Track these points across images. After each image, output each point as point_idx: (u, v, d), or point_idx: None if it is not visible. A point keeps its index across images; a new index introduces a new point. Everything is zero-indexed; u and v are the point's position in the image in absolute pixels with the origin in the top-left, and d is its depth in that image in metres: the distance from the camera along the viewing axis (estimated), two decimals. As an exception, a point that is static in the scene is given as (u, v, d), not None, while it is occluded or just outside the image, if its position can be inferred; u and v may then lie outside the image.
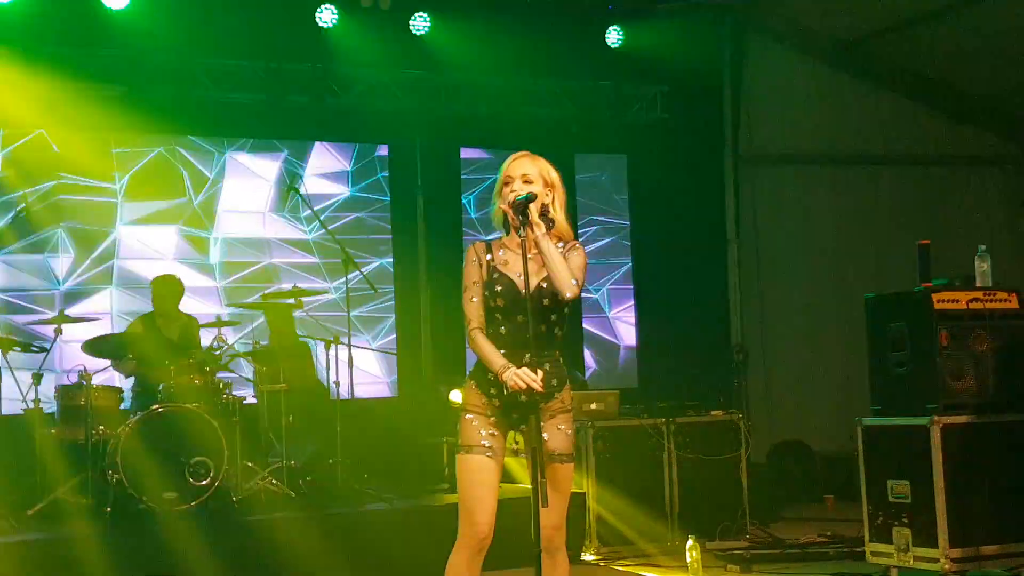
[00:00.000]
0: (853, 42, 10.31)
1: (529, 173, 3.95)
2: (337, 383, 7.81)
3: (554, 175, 4.02)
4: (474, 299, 3.97)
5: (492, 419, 3.95)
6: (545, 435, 3.90)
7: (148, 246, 9.09)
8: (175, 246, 9.17)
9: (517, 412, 3.95)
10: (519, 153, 4.06)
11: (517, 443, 4.09)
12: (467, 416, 3.96)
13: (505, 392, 3.88)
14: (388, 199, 9.81)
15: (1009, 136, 11.17)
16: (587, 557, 7.23)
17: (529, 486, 3.78)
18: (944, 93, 10.78)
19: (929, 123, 10.87)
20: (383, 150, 9.86)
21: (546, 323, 3.93)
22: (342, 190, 9.69)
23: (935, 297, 5.90)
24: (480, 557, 3.95)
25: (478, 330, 3.95)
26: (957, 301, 5.92)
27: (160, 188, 9.14)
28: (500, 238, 4.06)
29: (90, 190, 8.96)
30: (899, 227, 10.12)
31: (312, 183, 9.53)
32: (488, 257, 3.98)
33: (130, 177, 9.07)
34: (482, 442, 3.92)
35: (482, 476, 3.91)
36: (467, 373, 4.06)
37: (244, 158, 9.43)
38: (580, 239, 10.08)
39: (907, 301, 6.06)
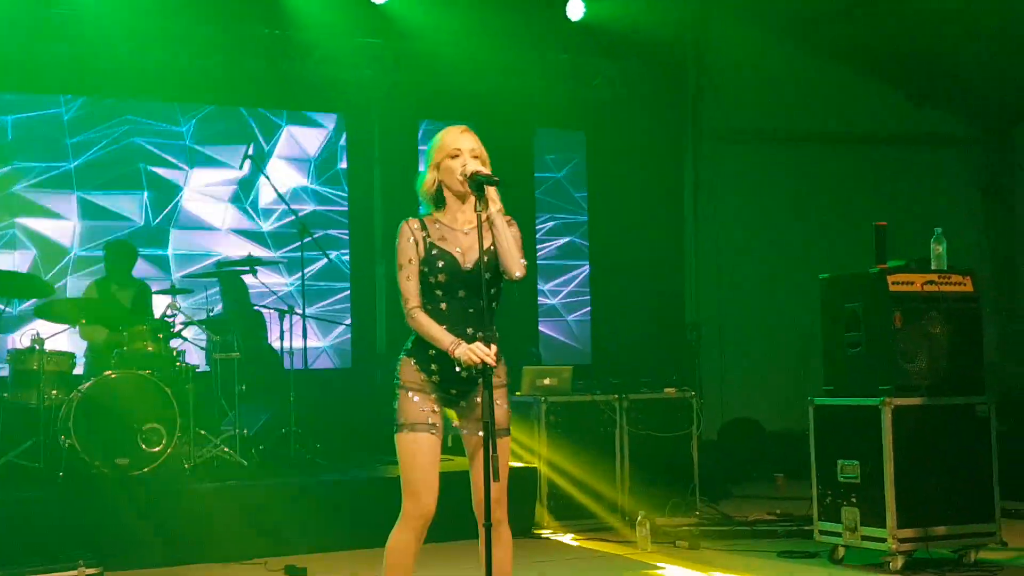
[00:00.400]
0: (816, 18, 10.33)
1: (475, 148, 3.95)
2: (291, 353, 7.78)
3: (486, 154, 3.99)
4: (410, 278, 3.93)
5: (433, 396, 3.94)
6: (480, 412, 3.90)
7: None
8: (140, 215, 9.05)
9: (456, 388, 3.96)
10: (458, 127, 4.01)
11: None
12: (408, 393, 3.93)
13: (458, 369, 3.88)
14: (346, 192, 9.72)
15: (970, 116, 11.28)
16: (539, 532, 7.26)
17: (459, 461, 3.79)
18: (906, 72, 10.84)
19: (890, 102, 10.93)
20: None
21: (487, 297, 3.91)
22: (302, 181, 9.59)
23: (890, 279, 5.96)
24: (424, 533, 3.97)
25: (417, 308, 3.92)
26: (912, 283, 5.98)
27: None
28: (430, 213, 4.00)
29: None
30: (857, 207, 10.19)
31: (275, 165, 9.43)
32: (423, 234, 3.95)
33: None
34: (427, 420, 3.91)
35: (427, 455, 3.91)
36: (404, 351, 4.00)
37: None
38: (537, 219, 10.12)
39: (862, 282, 6.12)
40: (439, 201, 3.99)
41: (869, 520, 5.85)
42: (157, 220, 9.03)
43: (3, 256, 8.45)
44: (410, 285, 3.93)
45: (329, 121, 9.74)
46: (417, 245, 3.93)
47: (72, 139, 8.84)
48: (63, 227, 8.76)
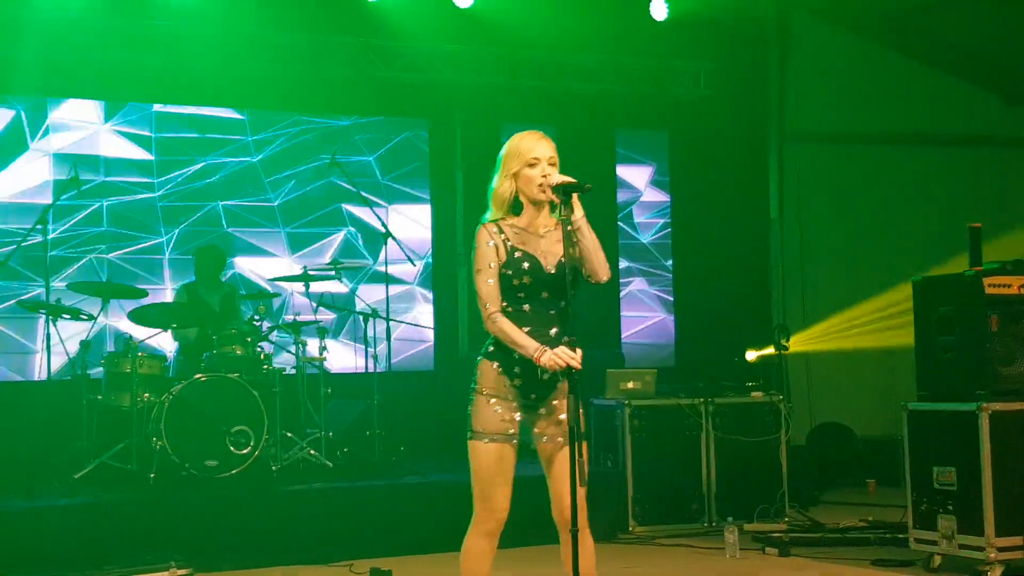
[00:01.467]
0: (901, 17, 10.13)
1: (553, 156, 3.94)
2: (375, 356, 7.82)
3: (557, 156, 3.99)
4: (490, 281, 3.91)
5: (513, 403, 3.91)
6: (562, 416, 3.88)
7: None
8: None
9: (536, 393, 3.93)
10: (535, 133, 3.99)
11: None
12: (490, 400, 3.90)
13: (541, 375, 3.86)
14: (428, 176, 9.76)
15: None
16: (625, 536, 7.21)
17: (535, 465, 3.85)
18: (995, 72, 10.59)
19: (980, 102, 10.70)
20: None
21: (567, 300, 3.90)
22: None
23: (986, 281, 5.81)
24: (497, 538, 3.96)
25: (498, 313, 3.90)
26: (1008, 286, 5.83)
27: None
28: (504, 218, 3.96)
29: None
30: (948, 209, 9.99)
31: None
32: (503, 237, 3.93)
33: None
34: (507, 430, 3.89)
35: (505, 464, 3.90)
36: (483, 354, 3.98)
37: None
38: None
39: (956, 284, 5.97)
40: (516, 207, 3.98)
41: (966, 528, 5.70)
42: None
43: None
44: (490, 288, 3.91)
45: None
46: (497, 249, 3.92)
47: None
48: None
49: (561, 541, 3.93)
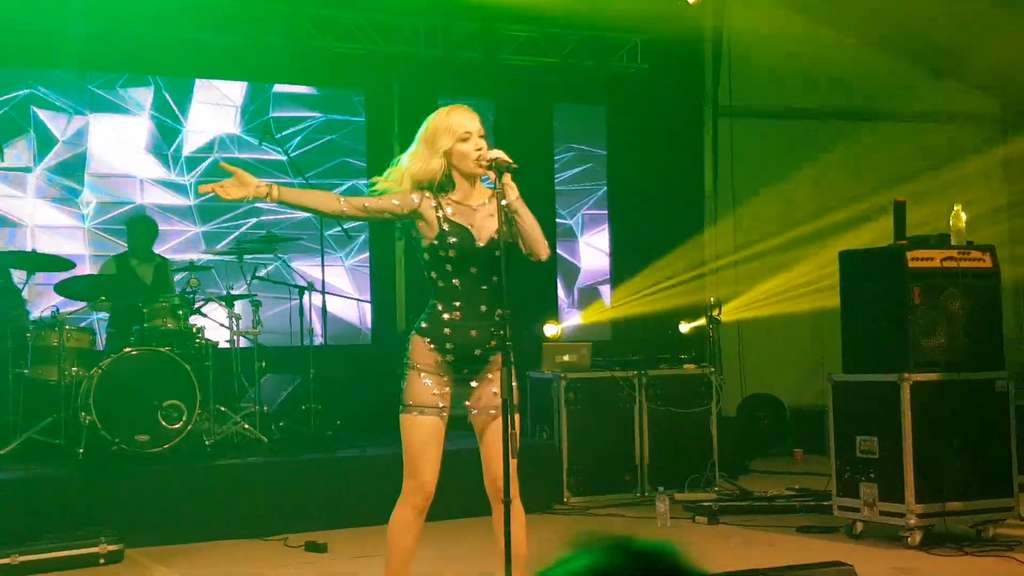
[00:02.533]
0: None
1: (482, 129, 3.94)
2: (311, 330, 7.80)
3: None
4: (372, 195, 3.94)
5: (444, 378, 3.94)
6: (494, 389, 3.91)
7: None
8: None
9: (468, 367, 3.96)
10: (460, 107, 3.97)
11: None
12: (420, 375, 3.92)
13: (473, 350, 3.89)
14: (363, 119, 9.71)
15: (989, 92, 11.18)
16: (559, 507, 7.28)
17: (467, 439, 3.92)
18: (924, 45, 10.75)
19: (910, 78, 10.85)
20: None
21: (498, 274, 3.92)
22: (314, 114, 9.59)
23: (909, 255, 5.91)
24: (424, 512, 4.01)
25: (341, 198, 3.91)
26: (931, 259, 5.94)
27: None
28: (440, 192, 3.94)
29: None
30: (877, 183, 10.14)
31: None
32: (433, 205, 3.91)
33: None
34: (437, 403, 3.92)
35: (432, 436, 3.93)
36: (415, 330, 3.97)
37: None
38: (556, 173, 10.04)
39: (881, 258, 6.08)
40: (443, 185, 3.94)
41: (887, 495, 5.83)
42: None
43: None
44: (369, 197, 3.94)
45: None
46: (420, 206, 3.89)
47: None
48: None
49: (494, 512, 3.98)
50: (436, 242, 3.91)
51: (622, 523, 6.85)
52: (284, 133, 9.18)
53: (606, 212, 10.50)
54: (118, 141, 8.93)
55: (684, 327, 9.18)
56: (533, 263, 4.04)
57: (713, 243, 10.43)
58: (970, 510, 5.85)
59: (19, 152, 8.61)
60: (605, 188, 10.49)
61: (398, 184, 3.96)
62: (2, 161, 7.43)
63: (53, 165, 8.74)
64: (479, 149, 3.90)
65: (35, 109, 8.68)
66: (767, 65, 10.46)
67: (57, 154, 8.75)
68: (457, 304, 3.91)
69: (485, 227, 3.91)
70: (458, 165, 3.93)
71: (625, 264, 10.30)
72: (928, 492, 5.74)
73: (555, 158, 10.25)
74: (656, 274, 10.00)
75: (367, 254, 9.67)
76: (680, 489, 7.47)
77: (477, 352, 3.92)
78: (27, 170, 8.62)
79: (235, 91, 9.39)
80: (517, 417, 3.98)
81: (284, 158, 8.70)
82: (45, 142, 8.70)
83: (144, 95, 9.04)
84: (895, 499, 5.79)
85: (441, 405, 3.93)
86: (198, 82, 9.21)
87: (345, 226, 8.40)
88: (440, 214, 3.92)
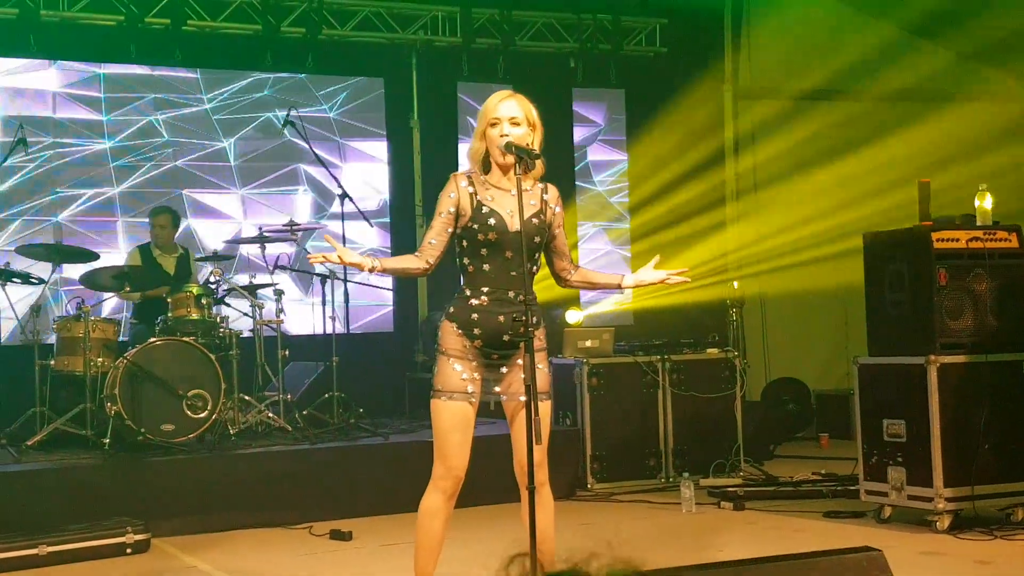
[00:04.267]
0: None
1: (516, 116, 3.94)
2: (334, 318, 7.81)
3: (535, 115, 4.00)
4: (433, 227, 3.98)
5: (473, 363, 3.95)
6: (523, 375, 3.89)
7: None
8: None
9: (497, 352, 3.97)
10: (503, 92, 4.04)
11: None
12: (449, 360, 3.94)
13: (502, 335, 3.88)
14: (384, 132, 9.73)
15: (1010, 70, 11.06)
16: (583, 493, 7.27)
17: (500, 425, 3.87)
18: (948, 26, 10.64)
19: (931, 57, 10.74)
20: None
21: (531, 261, 3.95)
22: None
23: (934, 236, 5.86)
24: (454, 497, 4.01)
25: (418, 253, 4.00)
26: (957, 240, 5.89)
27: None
28: (478, 172, 4.01)
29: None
30: (900, 163, 10.06)
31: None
32: (471, 190, 3.95)
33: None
34: (466, 388, 3.93)
35: (462, 421, 3.94)
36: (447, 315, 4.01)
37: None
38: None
39: (906, 239, 6.02)
40: (487, 165, 4.00)
41: (915, 479, 5.79)
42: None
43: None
44: (429, 233, 3.99)
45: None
46: (459, 201, 3.93)
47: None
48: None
49: (521, 498, 3.97)
50: (474, 225, 3.93)
51: (646, 509, 6.82)
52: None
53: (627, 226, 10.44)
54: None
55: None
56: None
57: (735, 226, 10.38)
58: (999, 493, 5.80)
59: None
60: (626, 199, 10.42)
61: (474, 165, 4.03)
62: (26, 149, 7.45)
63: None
64: (503, 135, 3.89)
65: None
66: (787, 47, 10.38)
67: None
68: (485, 290, 3.93)
69: (515, 213, 3.91)
70: (490, 149, 3.97)
71: (646, 248, 10.25)
72: (956, 475, 5.70)
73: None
74: (677, 257, 9.95)
75: (388, 242, 9.66)
76: (705, 474, 7.45)
77: (505, 338, 3.93)
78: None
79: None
80: (548, 404, 3.99)
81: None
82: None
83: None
84: (923, 483, 5.75)
85: (471, 390, 3.94)
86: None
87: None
88: (477, 198, 3.94)
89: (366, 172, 9.67)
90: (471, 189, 3.95)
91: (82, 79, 8.83)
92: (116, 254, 8.53)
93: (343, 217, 8.04)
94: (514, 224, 3.91)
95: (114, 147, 8.88)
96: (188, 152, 9.10)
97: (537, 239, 3.95)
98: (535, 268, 4.04)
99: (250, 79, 9.32)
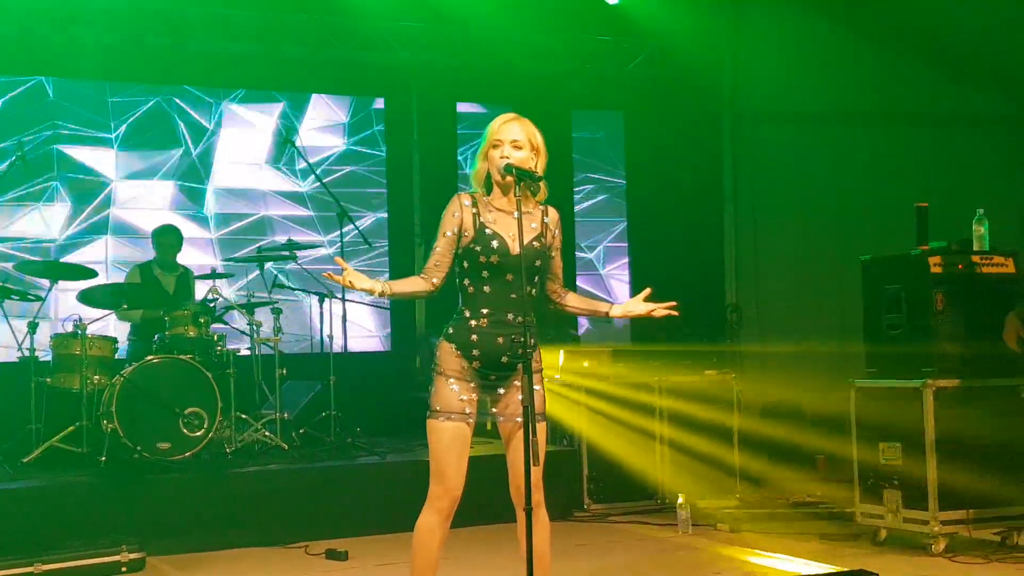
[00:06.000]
0: (853, -2, 10.23)
1: (519, 139, 3.95)
2: (331, 337, 7.81)
3: (539, 139, 4.02)
4: (437, 248, 3.98)
5: (471, 384, 3.95)
6: (520, 396, 3.90)
7: (143, 197, 9.04)
8: (171, 197, 9.13)
9: (495, 374, 3.97)
10: (507, 115, 4.04)
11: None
12: (448, 381, 3.94)
13: (500, 357, 3.89)
14: (384, 153, 9.76)
15: (1008, 95, 11.10)
16: (579, 514, 7.26)
17: (496, 445, 3.97)
18: (945, 50, 10.68)
19: (929, 81, 10.78)
20: (379, 103, 9.81)
21: (530, 284, 3.96)
22: (338, 143, 9.65)
23: (932, 260, 5.89)
24: (450, 517, 4.00)
25: (423, 274, 3.99)
26: (954, 264, 5.91)
27: (156, 138, 9.08)
28: (482, 193, 4.02)
29: (86, 139, 8.90)
30: (897, 187, 10.08)
31: (308, 136, 9.49)
32: (474, 211, 3.96)
33: (127, 127, 9.00)
34: (464, 409, 3.93)
35: (458, 441, 3.94)
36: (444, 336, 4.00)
37: (240, 109, 9.37)
38: (576, 196, 10.10)
39: (903, 263, 6.05)
40: (489, 186, 4.02)
41: (911, 503, 5.80)
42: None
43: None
44: (434, 252, 3.99)
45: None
46: (463, 221, 3.94)
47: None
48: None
49: (517, 519, 3.98)
50: (476, 247, 3.94)
51: (642, 531, 6.82)
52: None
53: (626, 245, 10.45)
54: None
55: None
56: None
57: (732, 247, 10.39)
58: (994, 517, 5.81)
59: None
60: (625, 223, 10.43)
61: (477, 185, 4.04)
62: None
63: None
64: (504, 157, 3.91)
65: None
66: (785, 68, 10.42)
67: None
68: (485, 311, 3.93)
69: (516, 236, 3.91)
70: (492, 171, 3.99)
71: (645, 267, 10.28)
72: (952, 499, 5.70)
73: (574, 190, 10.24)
74: (675, 277, 9.96)
75: (387, 260, 9.67)
76: (701, 496, 7.43)
77: (504, 359, 3.93)
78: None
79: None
80: (543, 425, 3.99)
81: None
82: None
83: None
84: (919, 506, 5.75)
85: (468, 411, 3.94)
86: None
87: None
88: (480, 219, 3.95)
89: (364, 191, 9.69)
90: (474, 210, 3.96)
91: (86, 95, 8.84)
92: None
93: (341, 237, 8.05)
94: (515, 247, 3.91)
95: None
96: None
97: (538, 263, 3.96)
98: (534, 291, 4.04)
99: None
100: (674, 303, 4.22)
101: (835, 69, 10.47)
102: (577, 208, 10.34)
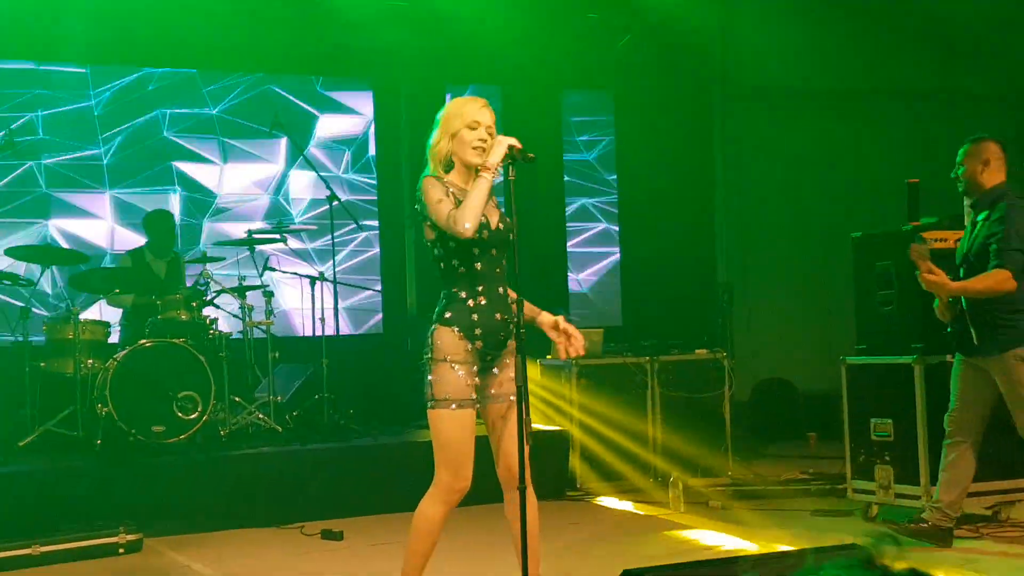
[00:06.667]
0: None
1: (492, 126, 3.98)
2: (322, 319, 7.82)
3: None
4: (447, 206, 3.86)
5: (474, 367, 3.91)
6: (511, 375, 3.91)
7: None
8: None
9: (491, 354, 3.95)
10: (479, 99, 4.02)
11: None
12: (453, 367, 3.86)
13: (498, 333, 3.90)
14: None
15: (997, 72, 11.13)
16: (572, 494, 7.30)
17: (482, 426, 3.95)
18: (935, 27, 10.70)
19: (920, 58, 10.81)
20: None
21: (509, 259, 3.98)
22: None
23: (922, 236, 5.90)
24: (456, 505, 3.98)
25: (458, 214, 3.82)
26: (945, 240, 5.93)
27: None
28: (443, 177, 3.98)
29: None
30: (888, 164, 10.11)
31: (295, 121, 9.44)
32: (450, 192, 3.92)
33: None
34: (471, 395, 3.89)
35: (470, 430, 3.90)
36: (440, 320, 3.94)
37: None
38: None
39: (894, 240, 6.07)
40: (448, 166, 4.00)
41: (903, 478, 5.84)
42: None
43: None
44: (450, 204, 3.86)
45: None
46: (448, 194, 3.92)
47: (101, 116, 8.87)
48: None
49: (506, 499, 3.98)
50: None
51: (636, 509, 6.86)
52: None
53: (617, 229, 10.43)
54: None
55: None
56: (544, 250, 4.09)
57: (723, 225, 10.42)
58: (986, 491, 5.84)
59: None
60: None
61: (435, 165, 3.99)
62: (14, 147, 7.39)
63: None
64: (482, 140, 3.92)
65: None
66: (776, 45, 10.42)
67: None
68: (480, 288, 3.92)
69: (489, 211, 3.94)
70: (457, 151, 3.96)
71: (635, 251, 10.29)
72: (943, 474, 5.73)
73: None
74: (665, 257, 9.99)
75: (377, 243, 9.67)
76: (694, 474, 7.48)
77: (502, 335, 3.93)
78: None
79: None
80: (530, 402, 4.00)
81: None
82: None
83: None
84: (910, 481, 5.80)
85: (473, 396, 3.90)
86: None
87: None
88: (457, 199, 3.92)
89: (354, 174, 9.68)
90: (448, 190, 3.92)
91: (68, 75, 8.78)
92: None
93: (331, 218, 8.03)
94: (495, 222, 3.94)
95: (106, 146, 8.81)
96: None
97: (511, 236, 3.95)
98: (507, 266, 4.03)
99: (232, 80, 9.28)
100: (583, 341, 4.03)
101: (825, 46, 10.47)
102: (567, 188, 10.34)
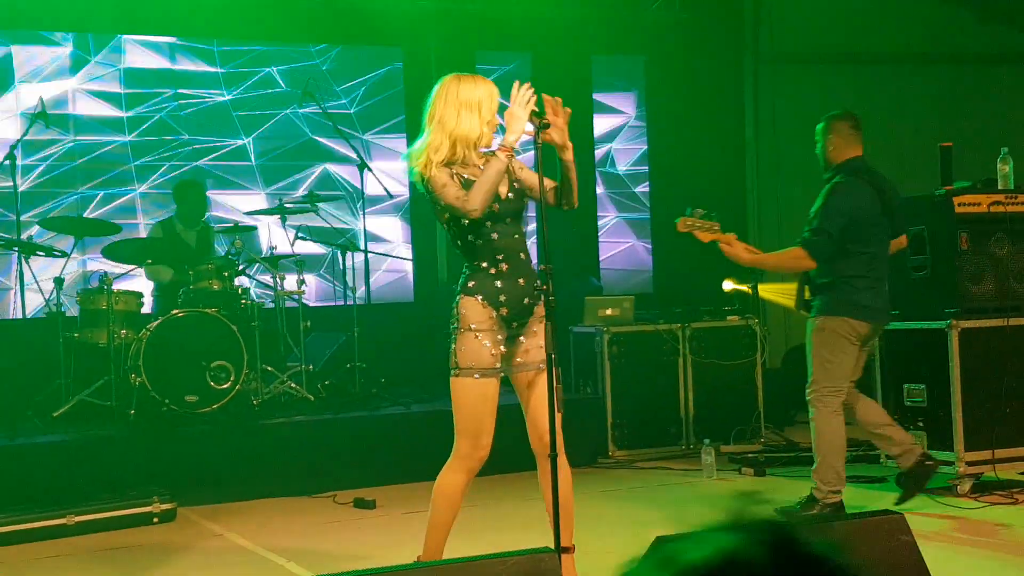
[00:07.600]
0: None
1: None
2: (353, 289, 7.84)
3: None
4: (453, 187, 3.85)
5: (499, 336, 3.91)
6: (539, 343, 3.88)
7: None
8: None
9: (517, 322, 3.95)
10: (478, 77, 4.05)
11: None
12: (477, 336, 3.87)
13: (523, 299, 3.89)
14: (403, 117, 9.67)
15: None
16: (604, 461, 7.30)
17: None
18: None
19: (954, 19, 10.64)
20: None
21: (524, 225, 4.04)
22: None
23: (956, 200, 5.84)
24: (475, 474, 4.00)
25: (469, 197, 3.81)
26: (978, 204, 5.86)
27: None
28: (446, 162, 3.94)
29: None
30: (922, 128, 9.98)
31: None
32: (454, 172, 3.91)
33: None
34: (495, 364, 3.89)
35: (493, 400, 3.91)
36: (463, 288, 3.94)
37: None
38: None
39: (927, 204, 6.01)
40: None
41: (936, 444, 5.80)
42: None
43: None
44: (458, 188, 3.85)
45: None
46: (452, 176, 3.91)
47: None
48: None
49: (539, 468, 3.98)
50: None
51: (667, 476, 6.85)
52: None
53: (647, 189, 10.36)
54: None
55: (727, 285, 9.08)
56: (566, 212, 4.08)
57: (755, 192, 10.33)
58: (1020, 457, 5.81)
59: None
60: (647, 169, 10.34)
61: (435, 151, 3.92)
62: (47, 122, 7.42)
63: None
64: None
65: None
66: (808, 9, 10.29)
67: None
68: (500, 256, 3.92)
69: (504, 181, 3.93)
70: (487, 133, 4.00)
71: (666, 216, 10.20)
72: (977, 439, 5.71)
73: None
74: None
75: (408, 211, 9.66)
76: (726, 441, 7.46)
77: (526, 301, 3.93)
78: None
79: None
80: (558, 371, 3.99)
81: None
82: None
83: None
84: (944, 447, 5.75)
85: (498, 366, 3.91)
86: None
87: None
88: (464, 179, 3.91)
89: (386, 142, 9.66)
90: (452, 171, 3.90)
91: (100, 75, 8.80)
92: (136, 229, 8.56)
93: (362, 187, 8.03)
94: (504, 192, 3.93)
95: (135, 144, 8.83)
96: (209, 150, 9.02)
97: (524, 200, 3.99)
98: (520, 236, 4.02)
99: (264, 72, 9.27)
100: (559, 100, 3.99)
101: (857, 9, 10.34)
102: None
